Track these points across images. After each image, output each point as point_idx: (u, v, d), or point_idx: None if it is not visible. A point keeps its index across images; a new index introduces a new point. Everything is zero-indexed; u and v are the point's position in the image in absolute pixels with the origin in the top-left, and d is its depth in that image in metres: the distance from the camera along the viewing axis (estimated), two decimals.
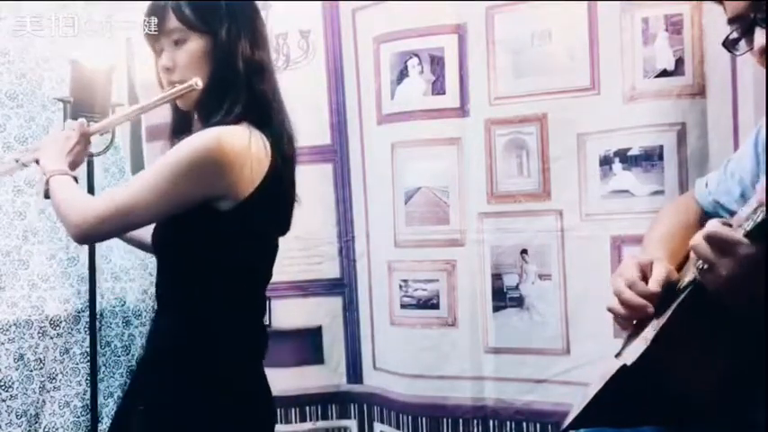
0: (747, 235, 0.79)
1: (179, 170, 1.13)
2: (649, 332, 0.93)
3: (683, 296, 0.89)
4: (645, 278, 1.01)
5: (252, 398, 1.25)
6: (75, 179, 1.31)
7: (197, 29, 1.21)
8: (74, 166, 1.34)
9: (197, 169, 1.13)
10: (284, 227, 1.33)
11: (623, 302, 1.00)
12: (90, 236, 1.26)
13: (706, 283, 0.83)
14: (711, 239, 0.81)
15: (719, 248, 0.80)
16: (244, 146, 1.15)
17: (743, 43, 0.96)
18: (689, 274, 0.92)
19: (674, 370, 0.88)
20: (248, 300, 1.27)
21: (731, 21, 0.96)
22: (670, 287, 1.00)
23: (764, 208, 0.77)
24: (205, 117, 1.23)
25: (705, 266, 0.82)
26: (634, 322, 1.08)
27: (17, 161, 1.41)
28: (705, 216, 1.17)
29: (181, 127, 1.31)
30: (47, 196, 1.28)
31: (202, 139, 1.14)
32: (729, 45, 0.98)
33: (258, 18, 1.29)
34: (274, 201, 1.22)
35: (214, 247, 1.18)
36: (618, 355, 1.08)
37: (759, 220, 0.78)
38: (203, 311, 1.22)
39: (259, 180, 1.17)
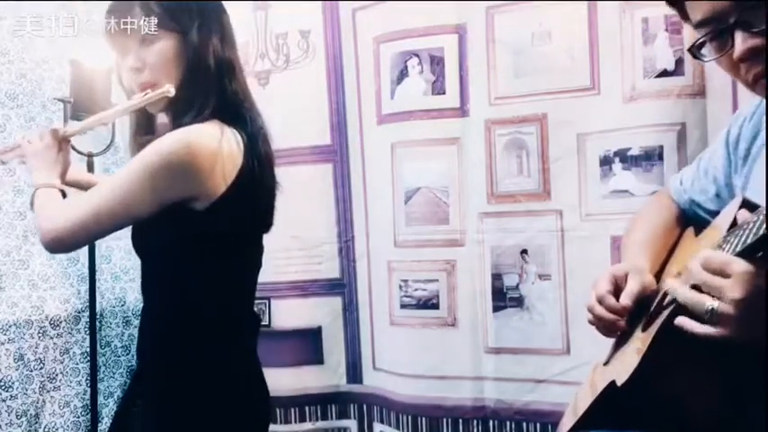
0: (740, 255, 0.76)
1: (150, 173, 1.11)
2: (637, 346, 0.93)
3: (669, 310, 0.88)
4: (619, 289, 1.01)
5: (242, 391, 1.24)
6: (64, 192, 1.30)
7: (167, 27, 1.18)
8: (63, 174, 1.32)
9: (168, 172, 1.11)
10: (265, 223, 1.31)
11: (595, 317, 1.00)
12: (62, 243, 1.20)
13: (722, 323, 0.76)
14: (707, 266, 0.78)
15: (721, 273, 0.76)
16: (214, 145, 1.13)
17: (710, 49, 0.88)
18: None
19: (665, 385, 0.88)
20: (231, 295, 1.25)
21: (702, 23, 0.87)
22: (653, 297, 1.00)
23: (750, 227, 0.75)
24: (175, 116, 1.21)
25: (711, 308, 0.76)
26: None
27: None
28: (683, 214, 1.16)
29: (144, 126, 1.29)
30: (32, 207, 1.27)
31: (172, 141, 1.12)
32: (695, 50, 0.90)
33: (226, 16, 1.27)
34: (250, 198, 1.20)
35: (192, 245, 1.17)
36: (606, 363, 1.08)
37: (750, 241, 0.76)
38: (186, 309, 1.21)
39: (232, 178, 1.15)
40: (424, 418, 1.98)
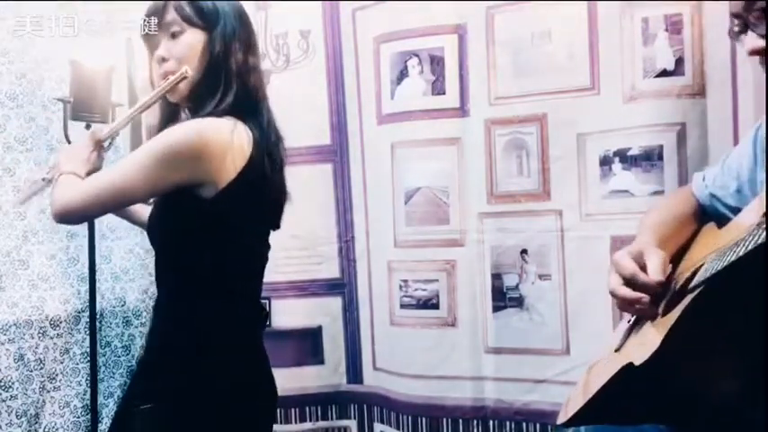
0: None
1: (158, 156, 1.19)
2: (656, 331, 0.92)
3: (693, 296, 0.87)
4: (641, 268, 1.00)
5: (250, 381, 1.28)
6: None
7: (194, 23, 1.28)
8: (90, 174, 1.38)
9: (175, 156, 1.19)
10: (272, 222, 1.37)
11: (621, 298, 1.00)
12: (73, 213, 1.29)
13: None
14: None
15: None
16: (225, 136, 1.20)
17: (743, 37, 0.97)
18: (698, 274, 0.91)
19: (682, 370, 0.88)
20: (238, 286, 1.30)
21: (732, 15, 0.96)
22: (670, 284, 1.00)
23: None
24: (195, 109, 1.29)
25: None
26: (632, 318, 1.08)
27: (43, 180, 1.46)
28: (701, 209, 1.17)
29: (169, 123, 1.35)
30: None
31: (183, 129, 1.21)
32: (733, 35, 0.99)
33: (250, 26, 1.36)
34: (256, 192, 1.26)
35: (199, 234, 1.24)
36: (618, 350, 1.07)
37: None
38: (195, 298, 1.26)
39: (238, 170, 1.21)
40: (424, 418, 1.98)
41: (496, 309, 1.90)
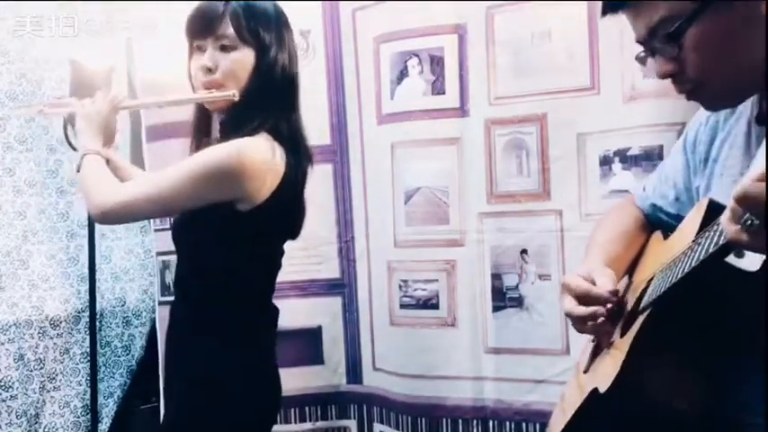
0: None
1: (199, 175, 1.21)
2: (617, 353, 0.93)
3: (644, 317, 0.88)
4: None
5: (257, 383, 1.33)
6: (107, 160, 1.38)
7: (248, 42, 1.26)
8: (107, 142, 1.40)
9: (215, 176, 1.21)
10: (294, 232, 1.40)
11: (577, 317, 1.00)
12: (110, 218, 1.33)
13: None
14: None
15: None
16: (266, 156, 1.22)
17: (650, 61, 0.98)
18: (647, 294, 0.92)
19: (648, 388, 0.89)
20: (254, 292, 1.34)
21: (637, 41, 0.97)
22: (625, 301, 1.00)
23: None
24: (233, 125, 1.28)
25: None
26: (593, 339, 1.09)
27: (40, 111, 1.55)
28: (647, 220, 1.17)
29: (202, 126, 1.38)
30: (79, 171, 1.36)
31: (225, 149, 1.22)
32: (640, 61, 1.00)
33: (292, 33, 1.35)
34: (288, 207, 1.30)
35: (230, 241, 1.26)
36: (586, 371, 1.08)
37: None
38: (212, 303, 1.30)
39: (275, 187, 1.24)
40: (423, 419, 1.98)
41: (496, 309, 1.90)
